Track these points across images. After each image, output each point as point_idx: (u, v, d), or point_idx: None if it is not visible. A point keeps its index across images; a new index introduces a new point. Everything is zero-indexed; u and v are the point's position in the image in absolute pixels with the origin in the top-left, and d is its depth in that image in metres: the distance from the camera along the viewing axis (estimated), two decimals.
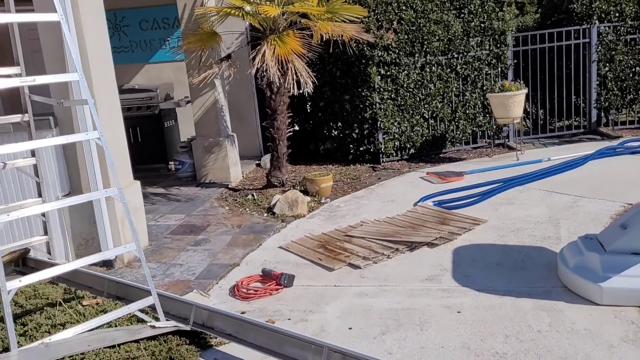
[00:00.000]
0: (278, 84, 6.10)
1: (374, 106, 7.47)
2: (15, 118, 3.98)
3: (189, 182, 7.32)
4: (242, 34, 7.90)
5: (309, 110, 8.02)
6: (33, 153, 4.06)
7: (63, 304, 3.29)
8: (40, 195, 4.31)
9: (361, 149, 7.72)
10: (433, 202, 5.57)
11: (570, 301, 3.46)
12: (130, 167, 4.97)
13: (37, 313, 3.29)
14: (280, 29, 6.17)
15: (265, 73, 5.97)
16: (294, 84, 5.93)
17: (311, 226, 5.32)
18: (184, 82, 8.47)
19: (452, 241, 4.54)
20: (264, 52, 5.81)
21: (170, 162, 8.12)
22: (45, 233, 4.39)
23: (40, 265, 4.39)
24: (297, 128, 7.89)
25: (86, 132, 4.24)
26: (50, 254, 4.58)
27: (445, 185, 6.18)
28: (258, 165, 8.10)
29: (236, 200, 6.41)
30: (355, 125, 7.67)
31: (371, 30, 7.11)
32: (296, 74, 5.97)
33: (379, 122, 7.50)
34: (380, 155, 7.64)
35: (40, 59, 4.64)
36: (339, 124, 7.79)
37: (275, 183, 6.60)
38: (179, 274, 4.42)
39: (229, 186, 7.01)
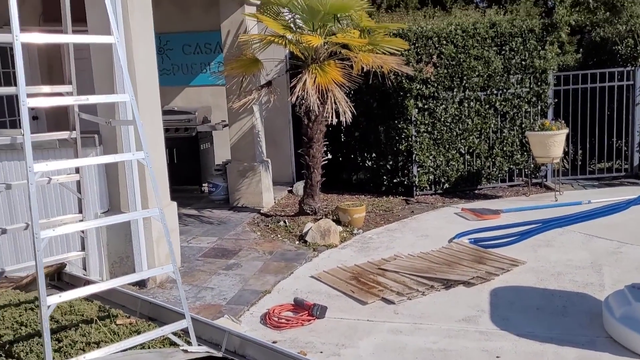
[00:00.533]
0: (317, 112, 6.13)
1: (409, 139, 7.43)
2: (63, 135, 4.06)
3: (221, 205, 7.35)
4: (281, 62, 8.02)
5: (342, 140, 8.03)
6: (77, 170, 4.14)
7: (98, 322, 3.29)
8: (80, 211, 4.37)
9: (395, 180, 7.67)
10: (469, 239, 5.46)
11: (616, 353, 3.30)
12: (168, 188, 5.02)
13: (72, 329, 3.29)
14: (321, 59, 6.24)
15: (303, 101, 6.02)
16: (332, 114, 5.95)
17: (343, 257, 5.26)
18: (221, 106, 8.61)
19: (490, 281, 4.42)
20: (305, 80, 5.86)
21: (204, 184, 8.19)
22: (83, 249, 4.43)
23: (75, 280, 4.42)
24: (329, 157, 7.90)
25: (132, 152, 4.31)
26: (85, 269, 4.62)
27: (481, 222, 6.06)
28: (290, 191, 8.10)
29: (268, 226, 6.39)
30: (390, 156, 7.64)
31: (410, 63, 7.13)
32: (335, 103, 6.00)
33: (414, 155, 7.46)
34: (414, 188, 7.57)
35: (84, 79, 4.75)
36: (373, 154, 7.77)
37: (308, 211, 6.58)
38: (210, 298, 4.40)
39: (261, 211, 7.02)
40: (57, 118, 8.47)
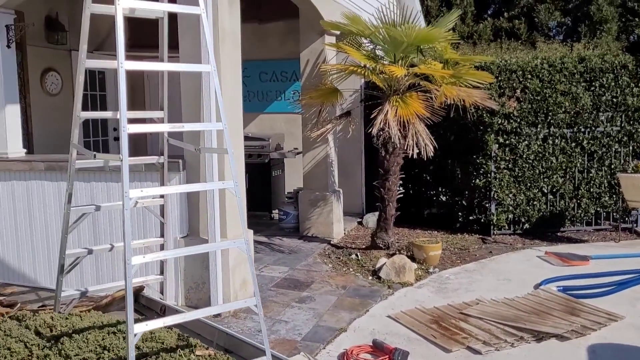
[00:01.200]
0: (397, 144, 5.97)
1: (488, 175, 7.14)
2: (152, 159, 4.13)
3: (291, 234, 7.30)
4: (356, 92, 7.99)
5: (415, 173, 7.83)
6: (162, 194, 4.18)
7: (181, 352, 3.23)
8: (162, 235, 4.41)
9: (470, 217, 7.36)
10: (557, 287, 5.09)
11: None
12: (246, 216, 4.98)
13: (153, 357, 3.26)
14: (401, 90, 6.12)
15: (382, 132, 5.90)
16: (413, 146, 5.79)
17: (420, 297, 5.03)
18: (294, 133, 8.65)
19: (585, 336, 4.06)
20: (387, 111, 5.75)
21: (273, 211, 8.19)
22: (161, 273, 4.45)
23: (151, 304, 4.44)
24: (401, 190, 7.70)
25: (214, 178, 4.32)
26: (162, 293, 4.63)
27: (568, 269, 5.67)
28: (360, 223, 7.95)
29: (339, 258, 6.25)
30: (466, 192, 7.36)
31: (492, 97, 6.88)
32: (416, 136, 5.84)
33: (492, 192, 7.15)
34: (491, 227, 7.23)
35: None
36: (448, 189, 7.52)
37: (381, 245, 6.39)
38: (285, 332, 4.28)
39: (331, 242, 6.90)
40: (135, 139, 8.76)
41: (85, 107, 8.39)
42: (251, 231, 5.07)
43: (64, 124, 8.31)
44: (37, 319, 3.56)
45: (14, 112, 5.36)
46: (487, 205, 7.22)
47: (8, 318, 3.67)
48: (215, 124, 3.70)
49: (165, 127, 3.20)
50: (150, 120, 4.09)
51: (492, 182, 7.13)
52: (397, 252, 6.13)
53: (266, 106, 9.14)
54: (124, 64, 2.95)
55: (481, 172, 7.17)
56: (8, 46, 5.27)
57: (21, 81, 7.21)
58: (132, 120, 3.61)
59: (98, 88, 8.73)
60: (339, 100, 6.64)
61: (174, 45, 4.63)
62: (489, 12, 17.67)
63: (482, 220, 7.28)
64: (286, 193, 8.23)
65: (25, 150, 5.56)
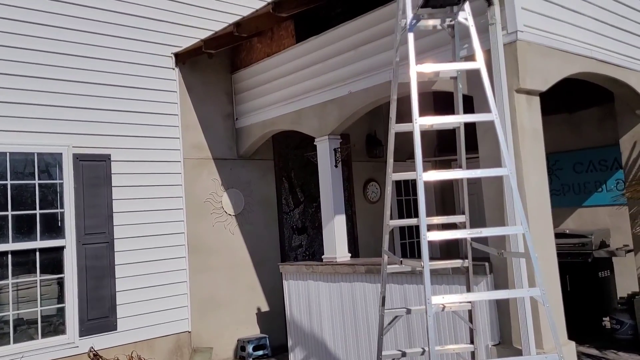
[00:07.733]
0: None
1: None
2: (456, 263, 4.18)
3: (628, 347, 6.17)
4: None
5: None
6: None
7: None
8: (472, 341, 4.30)
9: None
10: None
11: None
12: (564, 325, 4.49)
13: None
14: None
15: None
16: None
17: None
18: (622, 228, 7.57)
19: None
20: None
21: (603, 319, 7.12)
22: None
23: None
24: None
25: (523, 284, 4.09)
26: None
27: None
28: None
29: None
30: None
31: None
32: None
33: None
34: None
35: (471, 202, 4.84)
36: None
37: None
38: None
39: None
40: (447, 240, 9.01)
41: (402, 212, 9.21)
42: (573, 343, 4.51)
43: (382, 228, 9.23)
44: None
45: (340, 222, 6.21)
46: None
47: None
48: (515, 227, 3.55)
49: (463, 233, 3.23)
50: (454, 225, 4.20)
51: None
52: None
53: (584, 199, 8.31)
54: (422, 176, 3.17)
55: None
56: (335, 166, 6.24)
57: (348, 192, 8.38)
58: (436, 225, 3.79)
59: (411, 193, 9.45)
60: None
61: (475, 146, 4.75)
62: None
63: None
64: (618, 298, 7.10)
65: (350, 255, 6.29)
